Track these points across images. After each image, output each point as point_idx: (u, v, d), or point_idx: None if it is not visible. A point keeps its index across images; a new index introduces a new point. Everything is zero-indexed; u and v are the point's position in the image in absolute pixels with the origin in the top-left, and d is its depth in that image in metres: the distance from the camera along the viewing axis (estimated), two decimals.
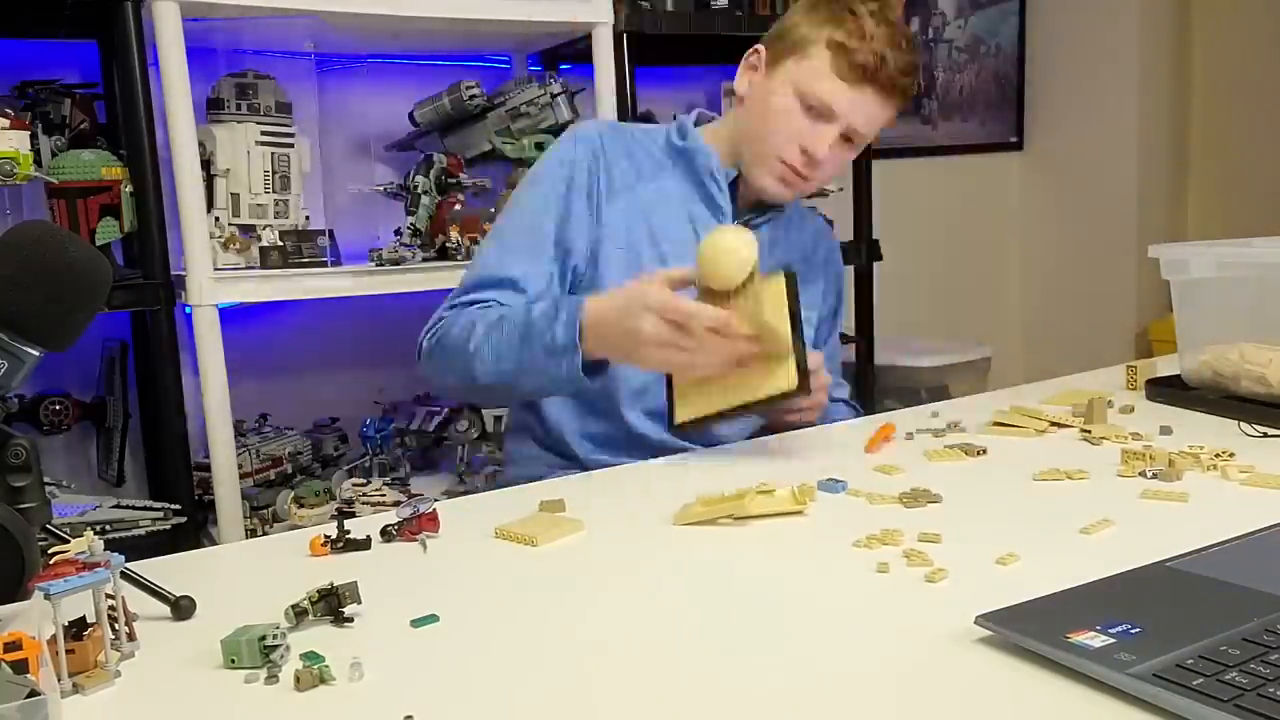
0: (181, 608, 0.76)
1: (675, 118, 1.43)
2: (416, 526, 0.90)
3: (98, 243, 1.71)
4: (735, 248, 1.11)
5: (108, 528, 1.67)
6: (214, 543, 1.79)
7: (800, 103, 1.28)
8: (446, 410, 2.16)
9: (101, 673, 0.66)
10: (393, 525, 0.91)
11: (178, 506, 1.75)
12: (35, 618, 0.62)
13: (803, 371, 1.08)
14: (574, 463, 1.32)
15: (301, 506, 1.90)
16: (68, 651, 0.64)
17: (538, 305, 1.19)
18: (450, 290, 1.34)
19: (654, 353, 1.10)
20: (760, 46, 1.35)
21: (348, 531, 0.90)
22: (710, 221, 1.36)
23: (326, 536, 0.90)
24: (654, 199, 1.35)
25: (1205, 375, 1.28)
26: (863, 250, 2.55)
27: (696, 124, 1.42)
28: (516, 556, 0.87)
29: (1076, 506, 0.92)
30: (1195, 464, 1.01)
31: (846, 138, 1.30)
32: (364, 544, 0.90)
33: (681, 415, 1.15)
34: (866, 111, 1.28)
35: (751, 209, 1.40)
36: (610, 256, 1.31)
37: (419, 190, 1.98)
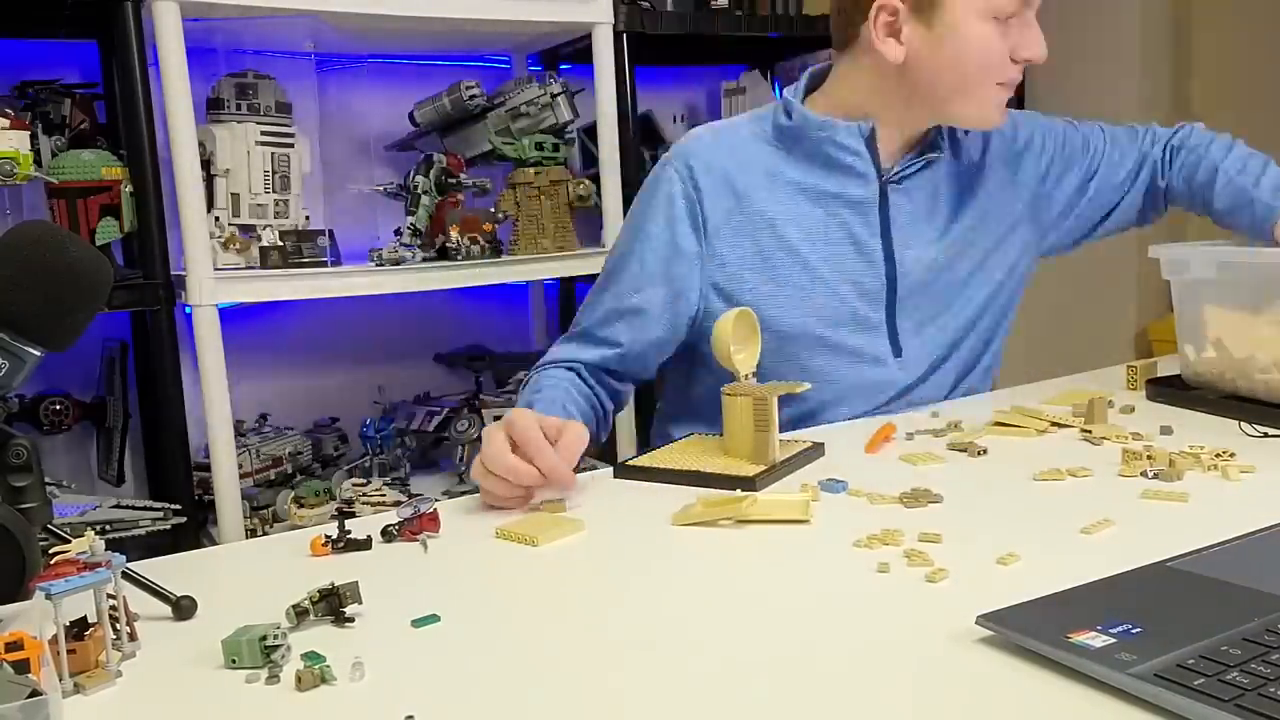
0: (182, 608, 0.76)
1: (781, 94, 1.33)
2: (417, 526, 0.90)
3: (98, 243, 1.71)
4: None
5: (108, 528, 1.67)
6: (214, 543, 1.79)
7: (996, 22, 1.19)
8: (446, 410, 2.16)
9: (102, 673, 0.66)
10: (393, 525, 0.91)
11: (178, 506, 1.75)
12: (36, 618, 0.62)
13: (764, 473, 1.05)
14: None
15: (301, 506, 1.90)
16: (69, 651, 0.64)
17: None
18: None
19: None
20: (893, 1, 1.20)
21: (348, 531, 0.90)
22: (848, 190, 1.27)
23: (327, 536, 0.90)
24: (771, 200, 1.28)
25: (1205, 375, 1.28)
26: None
27: (810, 89, 1.33)
28: (516, 556, 0.87)
29: (1076, 506, 0.92)
30: (1195, 464, 1.01)
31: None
32: (364, 544, 0.90)
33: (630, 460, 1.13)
34: None
35: (902, 158, 1.31)
36: (743, 285, 1.27)
37: (419, 190, 1.98)
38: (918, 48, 1.21)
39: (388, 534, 0.91)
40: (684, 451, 1.15)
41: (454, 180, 2.00)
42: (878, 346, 1.30)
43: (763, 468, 1.05)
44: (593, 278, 1.40)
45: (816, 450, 1.13)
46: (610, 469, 1.11)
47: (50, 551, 0.72)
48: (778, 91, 2.87)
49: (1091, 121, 1.46)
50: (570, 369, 1.31)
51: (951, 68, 1.21)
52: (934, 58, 1.21)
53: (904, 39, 1.21)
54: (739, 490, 0.99)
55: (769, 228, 1.27)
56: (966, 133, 1.36)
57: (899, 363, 1.32)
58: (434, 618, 0.74)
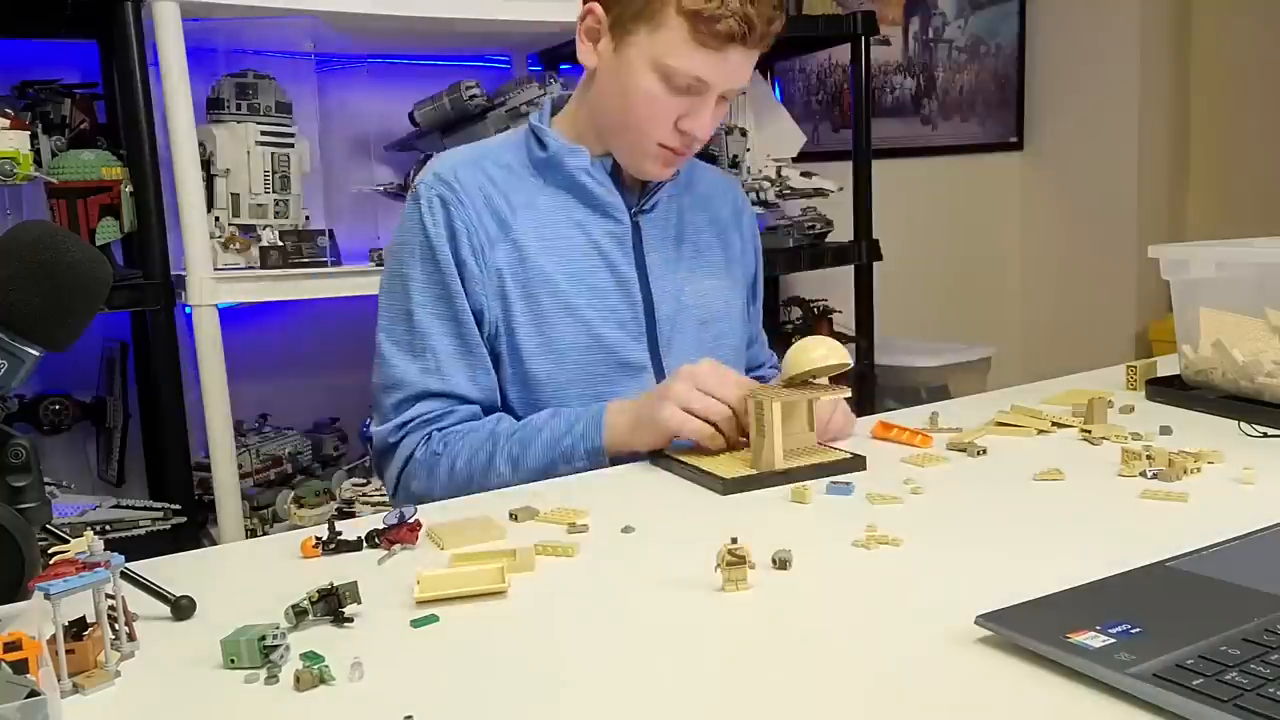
0: (181, 608, 0.76)
1: (529, 121, 1.29)
2: (395, 535, 0.90)
3: (98, 243, 1.71)
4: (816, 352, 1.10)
5: (108, 528, 1.67)
6: (214, 543, 1.79)
7: (665, 82, 1.16)
8: None
9: (101, 673, 0.66)
10: (376, 531, 0.91)
11: (178, 506, 1.75)
12: (35, 618, 0.62)
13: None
14: None
15: (301, 506, 1.90)
16: (68, 651, 0.64)
17: (545, 425, 1.15)
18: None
19: (675, 431, 1.10)
20: (595, 4, 1.19)
21: (339, 533, 0.90)
22: (603, 224, 1.25)
23: (318, 538, 0.90)
24: (533, 229, 1.22)
25: (1205, 375, 1.28)
26: (863, 250, 2.55)
27: (553, 114, 1.30)
28: None
29: (1077, 507, 0.92)
30: (1195, 464, 1.01)
31: (721, 97, 1.20)
32: (355, 545, 0.90)
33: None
34: (738, 72, 1.18)
35: (641, 188, 1.29)
36: (515, 312, 1.21)
37: None
38: (605, 65, 1.20)
39: (371, 540, 0.91)
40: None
41: None
42: (645, 386, 1.23)
43: (751, 472, 1.04)
44: None
45: (855, 463, 1.07)
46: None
47: (49, 551, 0.72)
48: (778, 93, 2.87)
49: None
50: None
51: (617, 101, 1.20)
52: (610, 82, 1.20)
53: (599, 49, 1.20)
54: (715, 488, 1.01)
55: (536, 263, 1.21)
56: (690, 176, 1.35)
57: None
58: (433, 618, 0.74)
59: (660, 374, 1.25)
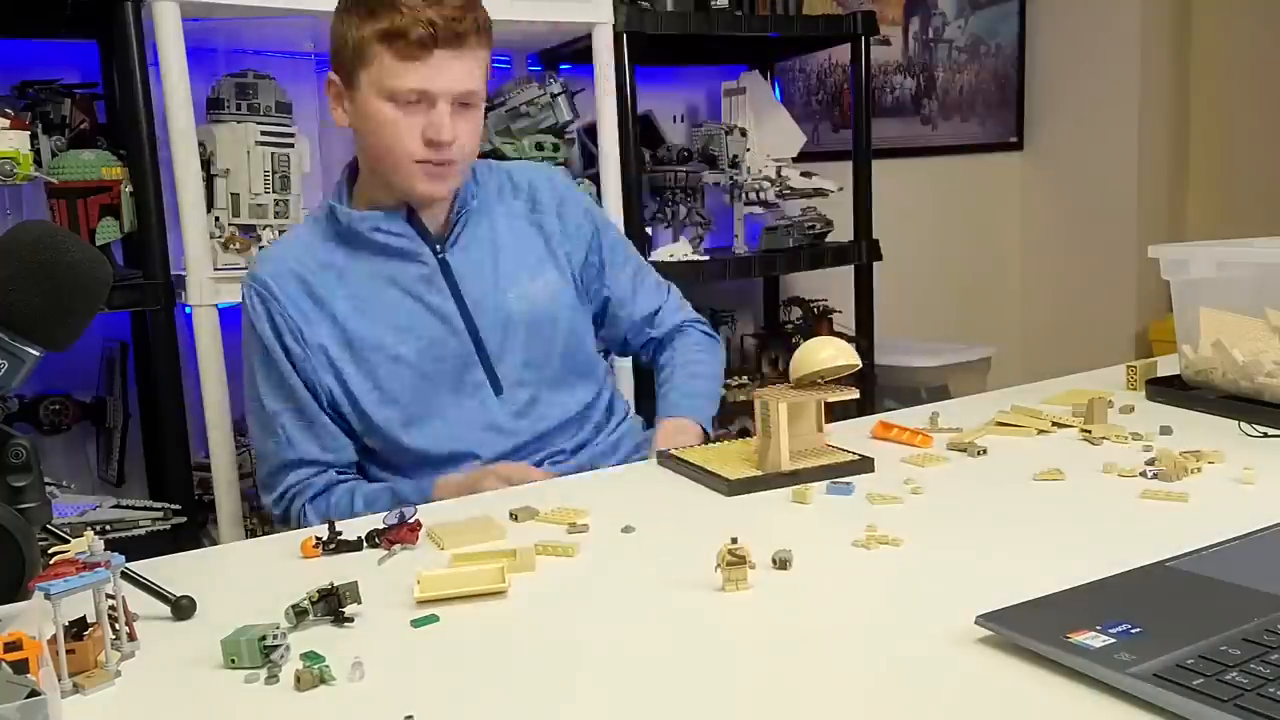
0: (181, 608, 0.76)
1: (328, 201, 1.38)
2: (396, 535, 0.90)
3: (98, 243, 1.71)
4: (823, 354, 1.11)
5: (108, 528, 1.67)
6: (214, 543, 1.79)
7: (393, 104, 1.25)
8: None
9: (102, 672, 0.66)
10: (376, 531, 0.91)
11: (178, 506, 1.75)
12: (36, 618, 0.62)
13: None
14: None
15: None
16: (68, 651, 0.64)
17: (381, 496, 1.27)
18: None
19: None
20: (331, 75, 1.31)
21: (339, 533, 0.90)
22: (411, 269, 1.32)
23: (318, 538, 0.90)
24: (348, 299, 1.31)
25: (1205, 375, 1.28)
26: (863, 250, 2.55)
27: (350, 184, 1.39)
28: None
29: (1076, 507, 0.92)
30: (1195, 464, 1.01)
31: (461, 104, 1.27)
32: (355, 545, 0.90)
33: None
34: (453, 74, 1.24)
35: (444, 223, 1.35)
36: (347, 375, 1.30)
37: None
38: (353, 118, 1.30)
39: (372, 540, 0.91)
40: (724, 448, 1.14)
41: None
42: (483, 398, 1.32)
43: (757, 473, 1.04)
44: None
45: (863, 464, 1.06)
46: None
47: (50, 551, 0.72)
48: (778, 93, 2.87)
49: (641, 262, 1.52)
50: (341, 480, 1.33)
51: (370, 140, 1.29)
52: (361, 128, 1.30)
53: (346, 108, 1.31)
54: (721, 489, 1.01)
55: (355, 327, 1.30)
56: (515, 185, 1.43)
57: (500, 400, 1.33)
58: (433, 618, 0.74)
59: (496, 385, 1.33)
